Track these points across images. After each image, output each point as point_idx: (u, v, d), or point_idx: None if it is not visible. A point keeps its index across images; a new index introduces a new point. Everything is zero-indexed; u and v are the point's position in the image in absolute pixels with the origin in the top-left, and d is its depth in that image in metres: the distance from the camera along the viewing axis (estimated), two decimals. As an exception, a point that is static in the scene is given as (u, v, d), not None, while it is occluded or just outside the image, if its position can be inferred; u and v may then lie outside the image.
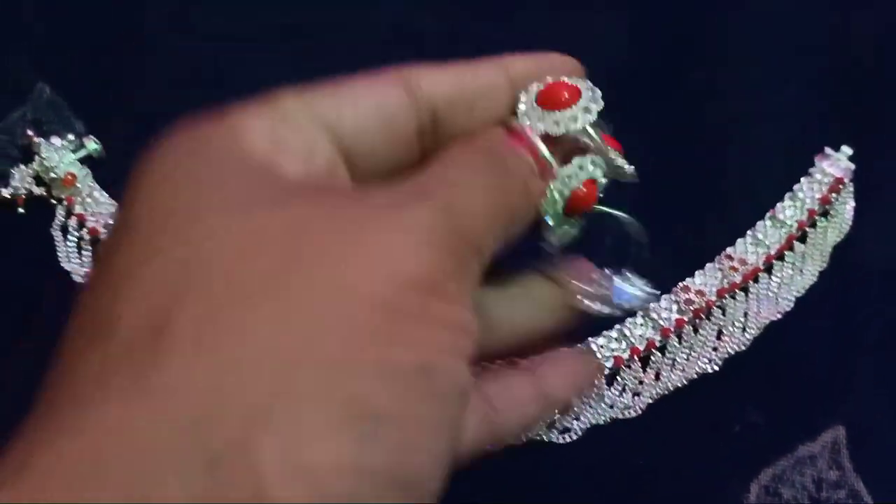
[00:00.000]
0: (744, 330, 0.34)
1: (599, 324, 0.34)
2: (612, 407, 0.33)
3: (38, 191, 0.36)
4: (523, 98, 0.22)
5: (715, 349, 0.34)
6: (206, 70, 0.39)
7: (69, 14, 0.40)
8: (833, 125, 0.38)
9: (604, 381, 0.33)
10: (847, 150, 0.37)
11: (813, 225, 0.36)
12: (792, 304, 0.35)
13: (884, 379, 0.33)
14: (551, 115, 0.22)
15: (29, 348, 0.33)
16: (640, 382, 0.33)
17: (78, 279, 0.34)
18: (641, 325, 0.34)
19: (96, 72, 0.38)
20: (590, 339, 0.33)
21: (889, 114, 0.38)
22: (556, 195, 0.22)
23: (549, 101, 0.22)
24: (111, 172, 0.36)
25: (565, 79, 0.22)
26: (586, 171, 0.22)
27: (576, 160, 0.22)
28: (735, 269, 0.34)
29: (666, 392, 0.33)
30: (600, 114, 0.22)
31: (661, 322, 0.33)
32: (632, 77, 0.39)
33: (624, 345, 0.33)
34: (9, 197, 0.35)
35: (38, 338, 0.33)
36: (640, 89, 0.39)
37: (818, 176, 0.36)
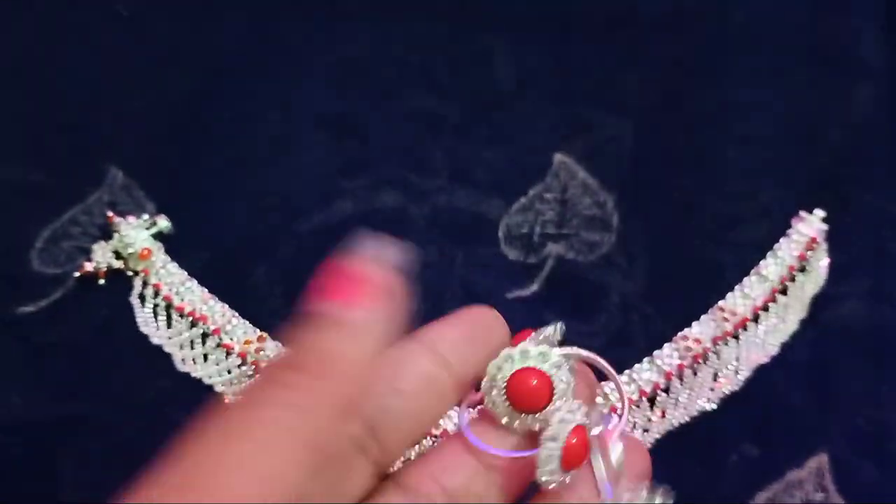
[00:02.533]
0: (737, 372, 0.39)
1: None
2: (624, 442, 0.37)
3: (117, 264, 0.40)
4: (491, 394, 0.21)
5: (712, 389, 0.38)
6: (261, 150, 0.44)
7: (139, 105, 0.45)
8: (807, 195, 0.43)
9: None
10: (819, 212, 0.42)
11: (793, 279, 0.40)
12: (777, 349, 0.39)
13: (860, 411, 0.38)
14: (527, 418, 0.20)
15: (109, 401, 0.37)
16: (649, 420, 0.38)
17: (156, 341, 0.39)
18: (648, 370, 0.38)
19: (163, 158, 0.43)
20: (602, 383, 0.38)
21: (854, 186, 0.43)
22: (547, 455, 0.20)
23: (520, 399, 0.20)
24: (180, 246, 0.41)
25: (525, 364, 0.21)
26: (570, 420, 0.21)
27: (556, 416, 0.21)
28: (726, 319, 0.39)
29: (671, 428, 0.38)
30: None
31: (665, 367, 0.38)
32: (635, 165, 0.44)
33: (633, 387, 0.38)
34: (92, 270, 0.39)
35: (118, 394, 0.38)
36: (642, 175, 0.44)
37: (795, 236, 0.41)
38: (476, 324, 0.22)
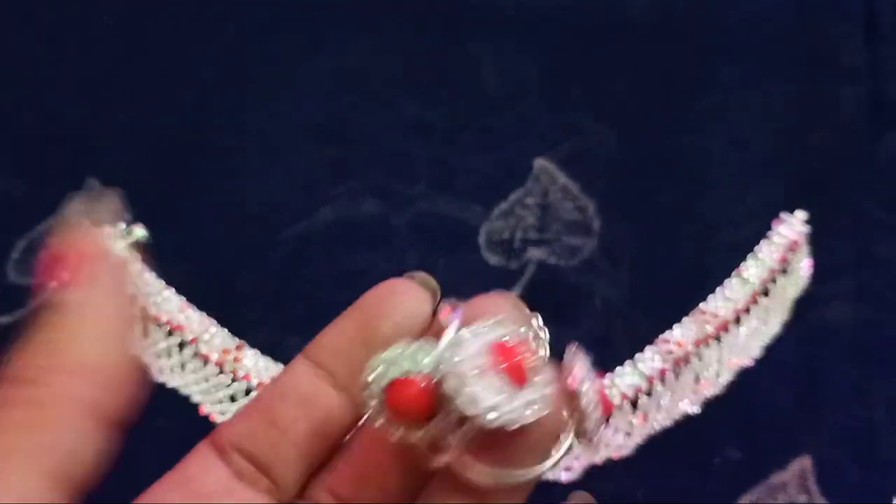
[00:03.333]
0: (718, 375, 0.39)
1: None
2: (606, 447, 0.37)
3: (93, 274, 0.40)
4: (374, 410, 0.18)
5: (694, 392, 0.38)
6: (245, 157, 0.44)
7: (121, 115, 0.44)
8: (792, 198, 0.43)
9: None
10: (801, 214, 0.42)
11: (774, 281, 0.41)
12: (759, 352, 0.39)
13: (842, 413, 0.38)
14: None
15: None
16: (631, 424, 0.38)
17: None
18: (630, 373, 0.38)
19: (145, 167, 0.43)
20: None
21: (840, 189, 0.44)
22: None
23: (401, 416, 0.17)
24: (162, 256, 0.40)
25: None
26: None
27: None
28: (708, 322, 0.39)
29: (654, 433, 0.38)
30: None
31: (647, 370, 0.38)
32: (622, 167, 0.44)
33: (615, 392, 0.38)
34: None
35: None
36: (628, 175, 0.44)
37: (776, 238, 0.42)
38: (366, 316, 0.20)
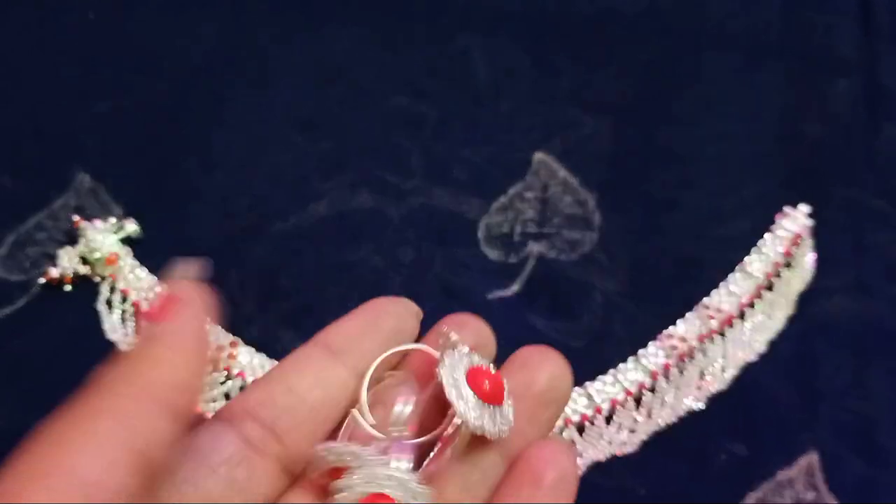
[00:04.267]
0: (723, 370, 0.38)
1: (594, 368, 0.38)
2: (610, 444, 0.36)
3: (83, 270, 0.39)
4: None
5: (699, 388, 0.38)
6: (234, 152, 0.43)
7: (107, 109, 0.44)
8: (787, 190, 0.42)
9: (603, 421, 0.37)
10: (804, 208, 0.42)
11: (778, 275, 0.40)
12: (764, 347, 0.39)
13: (847, 406, 0.37)
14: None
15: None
16: (635, 421, 0.37)
17: (123, 348, 0.38)
18: (633, 369, 0.37)
19: (133, 161, 0.42)
20: (586, 383, 0.37)
21: (834, 181, 0.43)
22: None
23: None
24: (151, 251, 0.40)
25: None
26: None
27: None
28: (712, 317, 0.39)
29: (658, 429, 0.37)
30: None
31: (650, 366, 0.37)
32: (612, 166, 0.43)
33: (618, 388, 0.37)
34: (58, 276, 0.38)
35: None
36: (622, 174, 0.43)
37: (780, 232, 0.41)
38: (374, 312, 0.23)
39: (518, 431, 0.22)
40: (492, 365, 0.22)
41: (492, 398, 0.21)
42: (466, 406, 0.20)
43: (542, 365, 0.23)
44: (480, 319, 0.24)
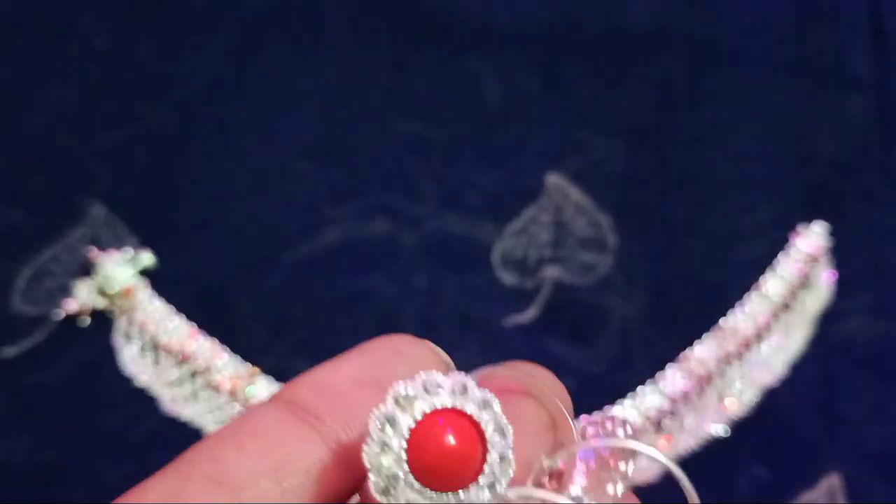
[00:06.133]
0: (742, 394, 0.38)
1: (613, 394, 0.37)
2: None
3: (101, 303, 0.39)
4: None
5: (718, 412, 0.37)
6: (245, 181, 0.43)
7: (118, 140, 0.44)
8: (803, 209, 0.42)
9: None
10: (818, 227, 0.41)
11: (794, 296, 0.40)
12: (784, 370, 0.38)
13: (869, 429, 0.37)
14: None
15: (94, 446, 0.36)
16: (655, 447, 0.37)
17: (142, 381, 0.38)
18: (651, 393, 0.37)
19: (145, 192, 0.42)
20: (605, 407, 0.37)
21: (850, 199, 0.43)
22: None
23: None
24: (164, 282, 0.40)
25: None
26: None
27: None
28: (729, 339, 0.39)
29: (680, 458, 0.37)
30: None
31: (669, 390, 0.37)
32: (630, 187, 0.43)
33: (637, 413, 0.37)
34: (77, 310, 0.38)
35: (103, 439, 0.37)
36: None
37: (794, 252, 0.41)
38: (371, 359, 0.18)
39: None
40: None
41: None
42: None
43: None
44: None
